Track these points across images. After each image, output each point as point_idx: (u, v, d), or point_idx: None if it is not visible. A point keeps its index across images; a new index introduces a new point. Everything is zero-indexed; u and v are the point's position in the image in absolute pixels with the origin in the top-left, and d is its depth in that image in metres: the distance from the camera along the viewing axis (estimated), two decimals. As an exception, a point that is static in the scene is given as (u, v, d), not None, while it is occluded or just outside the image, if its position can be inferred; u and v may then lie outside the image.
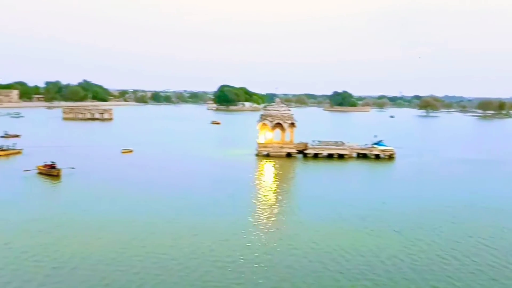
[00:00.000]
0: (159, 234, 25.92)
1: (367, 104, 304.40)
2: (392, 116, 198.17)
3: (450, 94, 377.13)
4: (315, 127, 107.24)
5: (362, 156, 62.06)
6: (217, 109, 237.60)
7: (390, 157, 61.93)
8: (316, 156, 61.42)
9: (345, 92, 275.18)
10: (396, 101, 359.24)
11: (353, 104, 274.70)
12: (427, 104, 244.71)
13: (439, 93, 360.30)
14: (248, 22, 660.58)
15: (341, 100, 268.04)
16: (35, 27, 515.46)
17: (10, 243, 23.88)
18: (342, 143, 64.30)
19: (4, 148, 56.31)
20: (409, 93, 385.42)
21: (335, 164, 56.80)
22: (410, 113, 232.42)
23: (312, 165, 56.11)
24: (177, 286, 19.27)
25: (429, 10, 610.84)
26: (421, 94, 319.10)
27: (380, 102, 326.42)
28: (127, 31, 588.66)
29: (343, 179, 47.42)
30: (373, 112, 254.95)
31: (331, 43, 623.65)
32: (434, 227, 29.01)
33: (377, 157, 61.77)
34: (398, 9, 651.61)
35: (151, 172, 46.65)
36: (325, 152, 61.98)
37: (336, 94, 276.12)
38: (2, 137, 73.31)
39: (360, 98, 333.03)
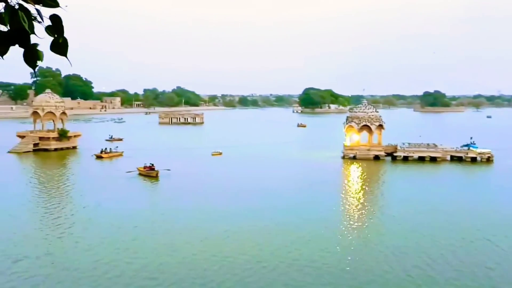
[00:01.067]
0: (245, 234, 26.33)
1: (461, 104, 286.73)
2: (489, 117, 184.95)
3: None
4: (404, 129, 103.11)
5: (457, 159, 58.53)
6: (302, 112, 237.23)
7: (488, 160, 57.74)
8: (406, 159, 58.95)
9: (437, 92, 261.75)
10: (494, 100, 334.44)
11: (446, 105, 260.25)
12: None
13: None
14: (331, 20, 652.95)
15: (433, 101, 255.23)
16: (135, 45, 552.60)
17: (108, 237, 25.55)
18: (435, 146, 61.12)
19: (107, 151, 60.55)
20: (509, 91, 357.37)
21: (427, 167, 54.13)
22: (511, 113, 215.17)
23: (402, 168, 53.95)
24: (261, 285, 19.39)
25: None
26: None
27: (476, 101, 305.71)
28: (216, 49, 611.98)
29: (435, 183, 44.98)
30: (468, 112, 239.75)
31: (419, 38, 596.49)
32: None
33: (474, 160, 57.88)
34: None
35: (239, 174, 47.66)
36: (416, 155, 59.27)
37: (427, 94, 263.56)
38: (107, 140, 78.98)
39: (454, 98, 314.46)
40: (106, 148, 61.54)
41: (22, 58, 2.93)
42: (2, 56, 2.99)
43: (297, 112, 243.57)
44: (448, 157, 59.14)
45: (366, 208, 33.64)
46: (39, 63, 2.96)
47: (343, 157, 59.91)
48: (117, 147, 63.64)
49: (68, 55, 2.89)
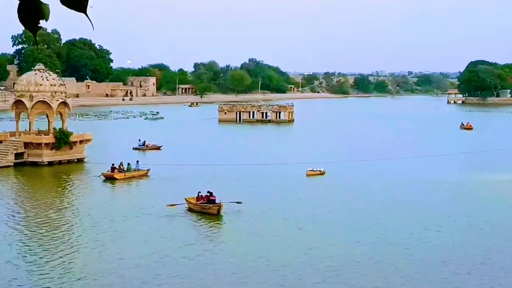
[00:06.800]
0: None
1: None
2: None
3: None
4: None
5: None
6: (464, 103, 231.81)
7: None
8: None
9: None
10: None
11: None
12: None
13: None
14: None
15: None
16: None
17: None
18: None
19: (123, 169, 60.62)
20: None
21: None
22: None
23: None
24: None
25: None
26: None
27: None
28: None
29: None
30: None
31: None
32: None
33: None
34: None
35: (355, 208, 47.09)
36: None
37: None
38: (137, 149, 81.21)
39: None
40: (121, 164, 61.21)
41: (17, 15, 3.18)
42: None
43: (454, 102, 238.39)
44: None
45: None
46: (42, 23, 3.19)
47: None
48: (137, 162, 63.26)
49: (88, 11, 3.10)
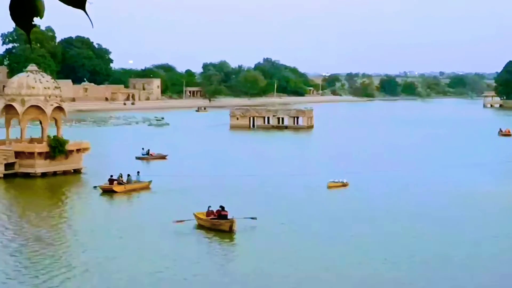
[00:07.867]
0: None
1: None
2: None
3: None
4: None
5: None
6: (502, 107, 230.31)
7: None
8: None
9: None
10: None
11: None
12: None
13: None
14: None
15: None
16: None
17: None
18: None
19: (122, 180, 60.16)
20: None
21: None
22: None
23: None
24: None
25: None
26: None
27: None
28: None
29: None
30: None
31: None
32: None
33: None
34: None
35: (382, 225, 46.55)
36: None
37: None
38: (140, 158, 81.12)
39: None
40: (120, 175, 60.75)
41: (8, 12, 3.14)
42: None
43: (491, 106, 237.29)
44: None
45: None
46: (36, 20, 3.17)
47: None
48: (138, 173, 63.45)
49: (87, 7, 3.07)
